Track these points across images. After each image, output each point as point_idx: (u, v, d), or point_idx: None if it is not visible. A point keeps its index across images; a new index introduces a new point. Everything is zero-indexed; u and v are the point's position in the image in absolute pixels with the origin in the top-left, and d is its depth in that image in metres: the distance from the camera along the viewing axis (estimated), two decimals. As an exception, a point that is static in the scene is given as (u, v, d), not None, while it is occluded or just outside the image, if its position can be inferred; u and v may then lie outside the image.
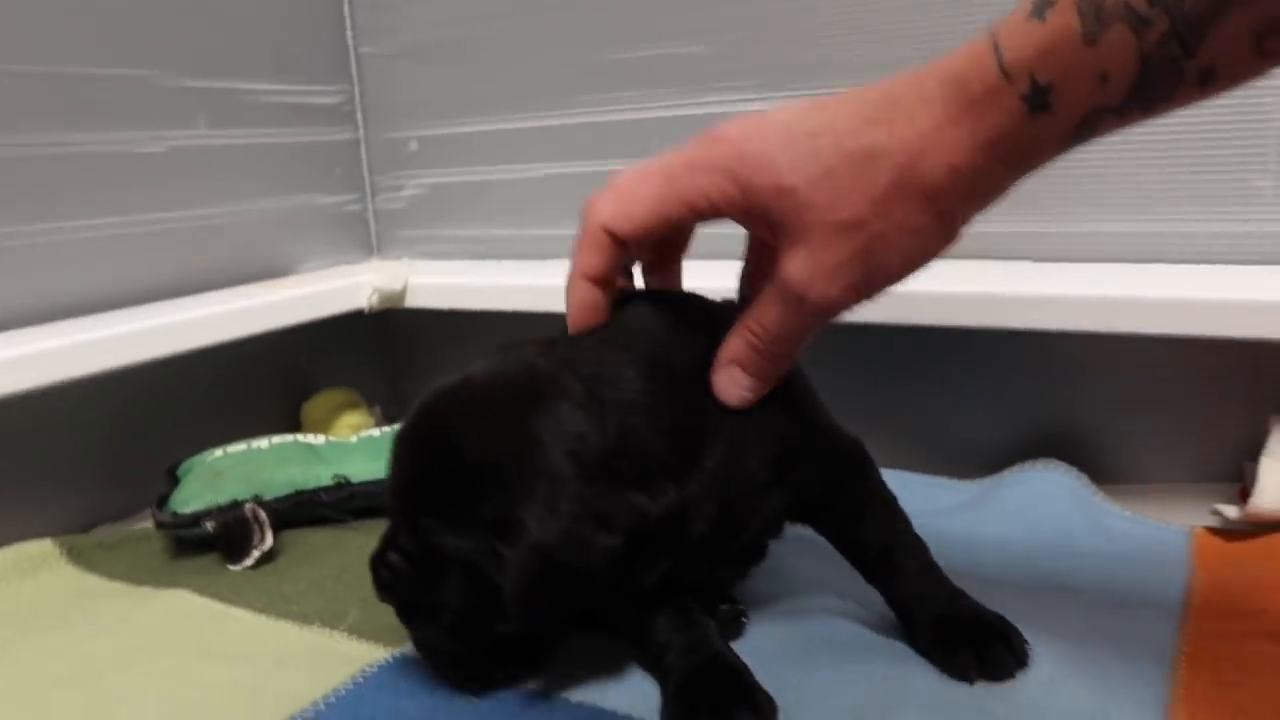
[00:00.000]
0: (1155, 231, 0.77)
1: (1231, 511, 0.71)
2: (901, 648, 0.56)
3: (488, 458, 0.48)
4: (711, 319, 0.54)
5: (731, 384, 0.51)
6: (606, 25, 0.98)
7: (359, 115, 1.12)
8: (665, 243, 0.56)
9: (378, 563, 0.53)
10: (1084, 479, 0.78)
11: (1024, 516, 0.74)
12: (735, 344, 0.50)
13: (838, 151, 0.43)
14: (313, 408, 1.03)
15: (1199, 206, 0.76)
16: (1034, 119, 0.40)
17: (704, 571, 0.55)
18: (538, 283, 0.94)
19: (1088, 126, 0.41)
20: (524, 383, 0.50)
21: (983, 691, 0.51)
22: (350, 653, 0.59)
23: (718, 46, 0.93)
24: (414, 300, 1.02)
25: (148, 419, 0.91)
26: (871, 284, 0.45)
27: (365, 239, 1.14)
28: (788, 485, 0.54)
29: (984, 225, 0.86)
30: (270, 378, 1.04)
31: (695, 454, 0.50)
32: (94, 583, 0.72)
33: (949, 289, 0.76)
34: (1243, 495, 0.73)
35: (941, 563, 0.60)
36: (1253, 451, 0.73)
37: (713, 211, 0.48)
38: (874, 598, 0.61)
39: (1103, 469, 0.81)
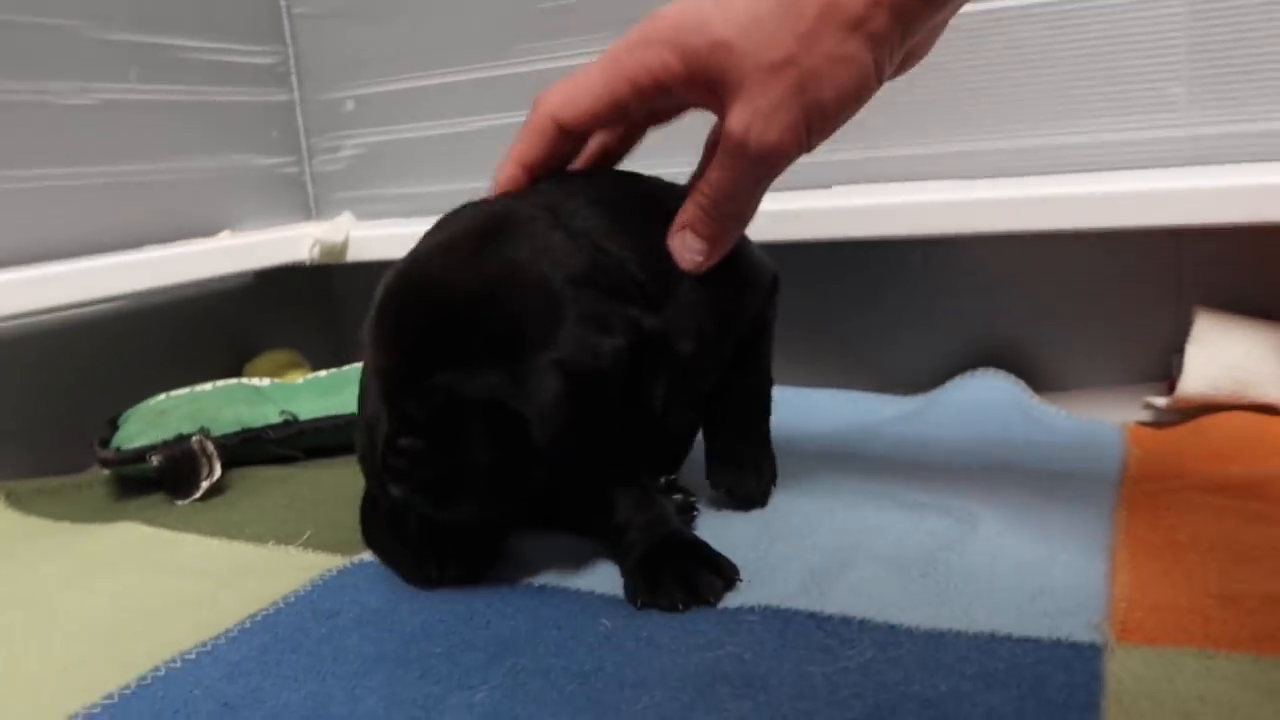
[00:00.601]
0: (1076, 143, 0.80)
1: (1161, 401, 0.74)
2: (854, 524, 0.57)
3: (479, 291, 0.48)
4: (643, 180, 0.57)
5: (684, 248, 0.52)
6: (540, -26, 0.99)
7: (293, 76, 1.11)
8: (615, 139, 0.57)
9: (389, 455, 0.50)
10: (1021, 384, 0.80)
11: (966, 418, 0.76)
12: (687, 208, 0.52)
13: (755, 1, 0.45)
14: (255, 369, 1.01)
15: (1117, 117, 0.79)
16: None
17: (678, 414, 0.56)
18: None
19: None
20: (486, 223, 0.51)
21: (935, 545, 0.53)
22: (308, 562, 0.59)
23: (651, -11, 0.94)
24: (356, 253, 1.02)
25: (88, 382, 0.89)
26: (810, 123, 0.46)
27: (303, 202, 1.13)
28: (738, 319, 0.57)
29: (910, 149, 0.88)
30: (212, 340, 1.02)
31: (667, 282, 0.52)
32: (36, 524, 0.70)
33: (885, 200, 0.79)
34: (1171, 389, 0.76)
35: (889, 462, 0.64)
36: (1180, 346, 0.76)
37: (655, 86, 0.49)
38: (820, 485, 0.63)
39: (1038, 378, 0.83)
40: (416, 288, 0.50)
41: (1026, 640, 0.42)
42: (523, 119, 1.01)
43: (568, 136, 0.52)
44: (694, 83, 0.48)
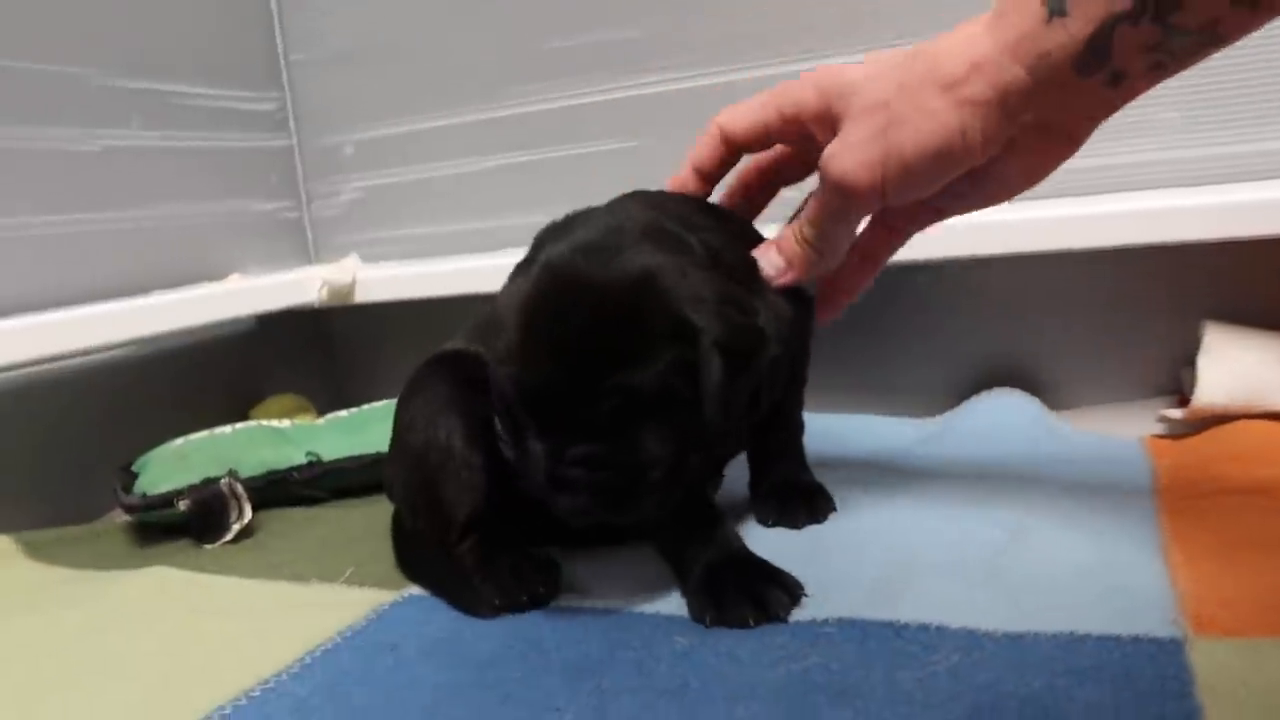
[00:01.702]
0: (1078, 167, 0.83)
1: (1177, 413, 0.76)
2: (905, 538, 0.57)
3: (635, 286, 0.48)
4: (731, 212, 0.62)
5: (765, 262, 0.56)
6: (536, 17, 1.00)
7: (291, 122, 1.11)
8: (763, 182, 0.62)
9: (560, 468, 0.49)
10: (1037, 401, 0.82)
11: (991, 436, 0.77)
12: (782, 230, 0.56)
13: (895, 56, 0.49)
14: (261, 413, 1.00)
15: (1112, 141, 0.82)
16: (1051, 24, 0.44)
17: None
18: (495, 263, 0.94)
19: (1104, 35, 0.43)
20: (608, 225, 0.52)
21: (991, 553, 0.53)
22: (356, 598, 0.58)
23: (647, 29, 0.96)
24: (364, 294, 1.01)
25: (95, 430, 0.87)
26: (887, 166, 0.48)
27: (303, 246, 1.13)
28: (798, 341, 0.61)
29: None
30: (215, 386, 1.00)
31: (760, 286, 0.54)
32: (59, 573, 0.68)
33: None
34: (1182, 403, 0.78)
35: (924, 480, 0.67)
36: (1187, 360, 0.78)
37: (795, 117, 0.54)
38: (860, 503, 0.64)
39: (1048, 396, 0.85)
40: (569, 292, 0.49)
41: (1107, 638, 0.43)
42: (521, 158, 1.04)
43: (731, 146, 0.58)
44: (822, 119, 0.52)
